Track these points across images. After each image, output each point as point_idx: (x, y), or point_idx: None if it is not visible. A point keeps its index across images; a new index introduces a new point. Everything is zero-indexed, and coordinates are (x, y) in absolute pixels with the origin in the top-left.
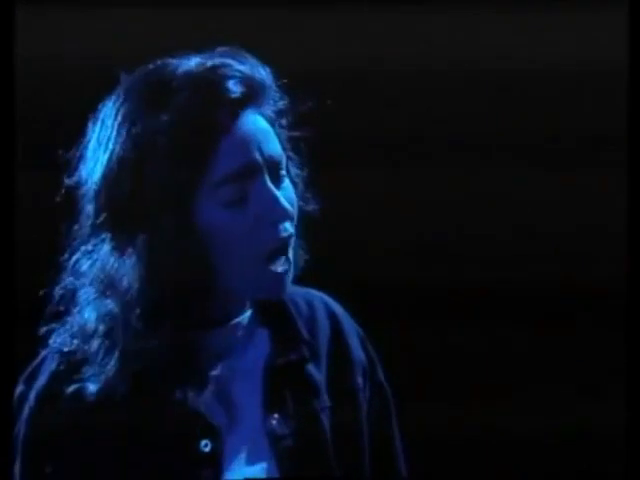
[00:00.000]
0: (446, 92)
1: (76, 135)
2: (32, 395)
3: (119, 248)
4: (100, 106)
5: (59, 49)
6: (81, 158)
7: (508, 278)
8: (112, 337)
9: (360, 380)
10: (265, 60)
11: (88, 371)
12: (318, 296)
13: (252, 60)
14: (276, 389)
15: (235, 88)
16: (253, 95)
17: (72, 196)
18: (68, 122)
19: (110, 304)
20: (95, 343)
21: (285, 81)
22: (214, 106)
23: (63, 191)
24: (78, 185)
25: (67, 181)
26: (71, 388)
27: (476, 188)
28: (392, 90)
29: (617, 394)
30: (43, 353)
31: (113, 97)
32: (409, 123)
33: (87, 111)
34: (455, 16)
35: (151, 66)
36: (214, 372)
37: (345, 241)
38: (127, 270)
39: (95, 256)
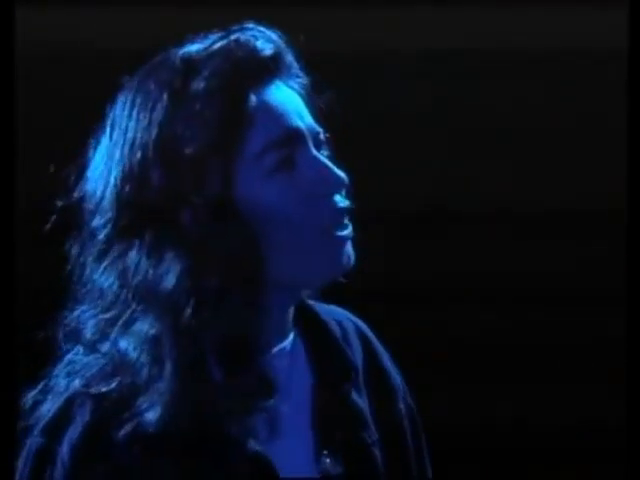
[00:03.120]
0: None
1: (75, 149)
2: (64, 449)
3: (153, 249)
4: (107, 113)
5: (59, 48)
6: (83, 172)
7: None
8: (160, 351)
9: (402, 406)
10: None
11: (143, 403)
12: (343, 314)
13: (268, 31)
14: (326, 423)
15: (264, 46)
16: (281, 58)
17: (71, 216)
18: (66, 135)
19: (149, 317)
20: (145, 371)
21: (305, 61)
22: (247, 68)
23: (54, 217)
24: (81, 201)
25: (62, 202)
26: (124, 430)
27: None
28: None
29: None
30: (63, 397)
31: (120, 101)
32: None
33: (88, 120)
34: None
35: (160, 56)
36: (263, 410)
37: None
38: (168, 267)
39: (119, 268)
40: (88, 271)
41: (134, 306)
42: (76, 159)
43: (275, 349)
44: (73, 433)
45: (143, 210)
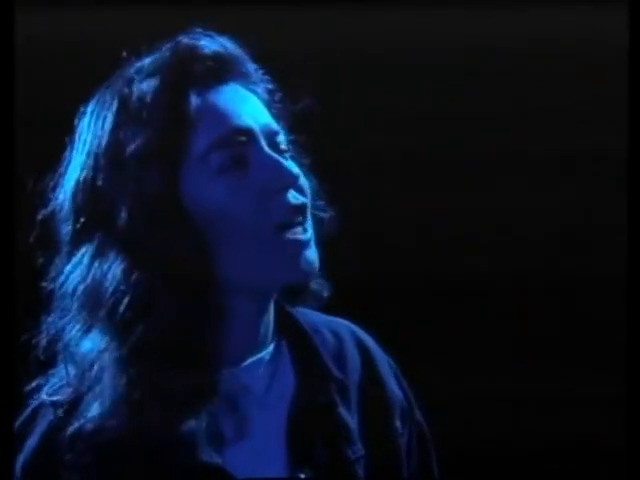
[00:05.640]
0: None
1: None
2: (20, 459)
3: (99, 254)
4: (76, 124)
5: (59, 48)
6: (58, 182)
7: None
8: (105, 355)
9: (399, 424)
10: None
11: (86, 406)
12: (344, 325)
13: (218, 36)
14: (303, 436)
15: (207, 47)
16: (232, 61)
17: (50, 227)
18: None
19: (99, 322)
20: (92, 374)
21: (269, 69)
22: (187, 69)
23: (38, 228)
24: (56, 211)
25: (43, 212)
26: (69, 430)
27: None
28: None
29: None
30: (30, 407)
31: (85, 113)
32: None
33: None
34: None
35: (121, 69)
36: (232, 418)
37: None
38: (108, 268)
39: (77, 274)
40: (60, 277)
41: (89, 307)
42: (53, 170)
43: (250, 359)
44: (31, 442)
45: (92, 216)
